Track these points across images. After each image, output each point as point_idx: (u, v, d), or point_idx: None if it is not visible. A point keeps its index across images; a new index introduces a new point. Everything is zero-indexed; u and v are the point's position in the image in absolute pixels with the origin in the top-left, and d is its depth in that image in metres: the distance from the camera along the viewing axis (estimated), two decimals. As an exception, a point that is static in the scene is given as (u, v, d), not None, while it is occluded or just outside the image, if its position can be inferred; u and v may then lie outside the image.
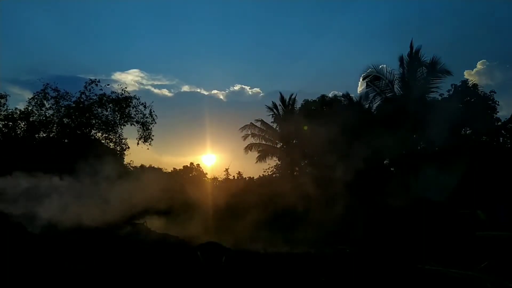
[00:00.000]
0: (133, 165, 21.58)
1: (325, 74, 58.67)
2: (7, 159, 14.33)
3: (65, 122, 19.23)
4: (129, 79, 49.14)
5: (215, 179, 25.89)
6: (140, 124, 20.75)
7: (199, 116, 55.80)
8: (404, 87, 19.91)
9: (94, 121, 19.79)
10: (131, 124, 20.70)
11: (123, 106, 20.14)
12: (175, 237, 9.51)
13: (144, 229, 9.83)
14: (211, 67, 60.68)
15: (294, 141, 24.34)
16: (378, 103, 21.12)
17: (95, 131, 20.07)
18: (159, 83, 59.59)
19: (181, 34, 63.13)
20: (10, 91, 39.69)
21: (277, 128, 25.52)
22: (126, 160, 21.16)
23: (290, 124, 22.70)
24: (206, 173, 28.53)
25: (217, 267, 6.80)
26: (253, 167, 32.04)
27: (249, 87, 57.66)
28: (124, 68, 67.63)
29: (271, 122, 25.76)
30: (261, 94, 52.57)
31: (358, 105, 21.80)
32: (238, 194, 16.24)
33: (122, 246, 7.52)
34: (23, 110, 18.61)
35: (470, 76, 31.49)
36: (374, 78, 20.38)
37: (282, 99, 25.55)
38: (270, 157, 25.76)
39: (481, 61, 40.07)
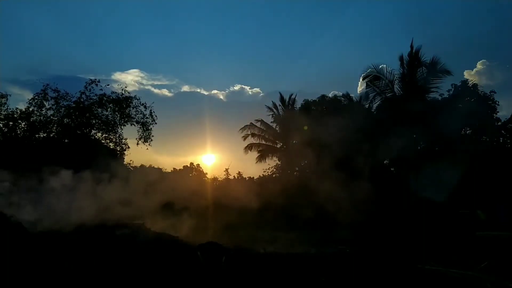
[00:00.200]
0: (133, 165, 21.60)
1: (325, 74, 58.76)
2: (7, 159, 14.33)
3: (65, 122, 19.23)
4: (129, 79, 49.17)
5: (215, 179, 25.90)
6: (140, 125, 20.77)
7: (199, 116, 55.75)
8: (404, 87, 19.91)
9: (94, 121, 19.80)
10: (131, 124, 20.73)
11: (123, 106, 20.15)
12: (175, 237, 9.50)
13: (144, 229, 9.81)
14: (211, 67, 60.68)
15: (294, 141, 24.36)
16: (378, 103, 21.16)
17: (95, 131, 20.09)
18: (159, 83, 59.62)
19: (181, 34, 63.11)
20: (10, 91, 39.65)
21: (277, 128, 25.54)
22: (126, 160, 21.19)
23: (290, 124, 22.72)
24: (206, 173, 28.54)
25: (217, 267, 6.80)
26: (253, 167, 32.03)
27: (249, 87, 57.69)
28: (124, 68, 67.61)
29: (271, 122, 25.81)
30: (261, 94, 52.58)
31: (358, 105, 21.83)
32: (238, 194, 16.23)
33: (122, 246, 7.51)
34: (24, 110, 18.64)
35: (470, 76, 31.49)
36: (374, 78, 20.39)
37: (282, 99, 25.58)
38: (270, 157, 25.79)
39: (481, 61, 40.07)
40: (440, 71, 19.07)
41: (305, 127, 21.02)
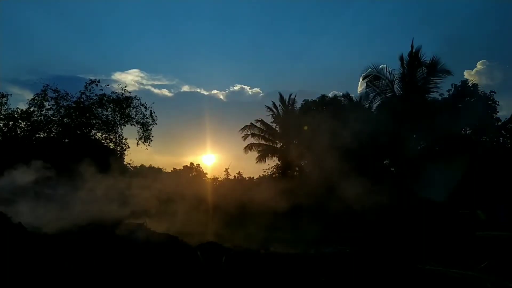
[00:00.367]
0: (133, 165, 21.62)
1: (325, 74, 58.78)
2: (7, 159, 14.32)
3: (65, 122, 19.24)
4: (129, 79, 49.26)
5: (215, 179, 25.93)
6: (140, 125, 20.78)
7: (199, 116, 55.86)
8: (404, 87, 19.91)
9: (94, 121, 19.81)
10: (131, 125, 20.74)
11: (124, 107, 20.16)
12: (175, 237, 9.49)
13: (144, 229, 9.80)
14: (211, 67, 60.86)
15: (294, 141, 24.36)
16: (378, 103, 21.16)
17: (95, 131, 20.10)
18: (159, 83, 59.73)
19: (181, 34, 63.22)
20: (10, 91, 39.66)
21: (277, 128, 25.54)
22: (126, 160, 21.20)
23: (290, 124, 22.71)
24: (206, 173, 28.60)
25: (217, 267, 6.80)
26: (253, 167, 32.08)
27: (249, 87, 57.82)
28: (124, 68, 67.79)
29: (271, 122, 25.80)
30: (261, 94, 52.65)
31: (358, 105, 21.83)
32: (238, 193, 16.24)
33: (122, 246, 7.51)
34: (24, 110, 18.64)
35: (470, 76, 31.46)
36: (374, 78, 20.39)
37: (282, 99, 25.56)
38: (270, 157, 25.78)
39: (481, 61, 39.94)
40: (440, 71, 19.07)
41: (305, 127, 21.03)
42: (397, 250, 9.19)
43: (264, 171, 26.81)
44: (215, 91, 57.00)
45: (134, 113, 20.55)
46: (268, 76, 67.15)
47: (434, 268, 7.03)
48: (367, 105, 21.82)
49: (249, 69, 68.24)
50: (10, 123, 18.29)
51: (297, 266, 6.98)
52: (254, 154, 25.82)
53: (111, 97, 20.01)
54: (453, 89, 21.46)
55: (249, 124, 25.86)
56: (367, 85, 20.95)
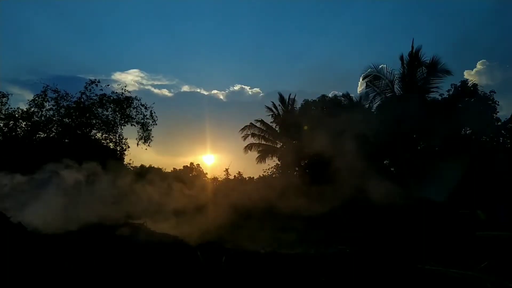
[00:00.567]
0: (133, 165, 21.61)
1: (325, 74, 58.66)
2: (7, 159, 14.34)
3: (65, 122, 19.24)
4: (129, 79, 49.25)
5: (215, 179, 25.93)
6: (140, 125, 20.79)
7: (199, 116, 55.87)
8: (404, 87, 19.92)
9: (94, 121, 19.81)
10: (131, 125, 20.75)
11: (124, 107, 20.17)
12: (175, 237, 9.50)
13: (144, 229, 9.81)
14: (211, 67, 60.88)
15: (294, 141, 24.36)
16: (378, 103, 21.17)
17: (95, 131, 20.10)
18: (159, 83, 59.72)
19: (181, 34, 63.22)
20: (10, 91, 39.56)
21: (277, 128, 25.55)
22: (126, 160, 21.21)
23: (290, 124, 22.72)
24: (206, 173, 28.58)
25: (217, 267, 6.80)
26: (253, 167, 32.07)
27: (249, 87, 57.81)
28: (124, 68, 67.72)
29: (271, 122, 25.81)
30: (261, 94, 52.66)
31: (358, 105, 21.83)
32: (238, 193, 16.24)
33: (122, 246, 7.51)
34: (25, 110, 18.64)
35: (470, 76, 31.56)
36: (374, 78, 20.42)
37: (281, 99, 25.58)
38: (270, 157, 25.79)
39: (481, 61, 40.07)
40: (440, 71, 19.10)
41: (305, 127, 21.04)
42: (397, 250, 9.19)
43: (264, 171, 26.86)
44: (215, 91, 57.06)
45: (135, 113, 20.59)
46: (268, 76, 67.28)
47: (434, 268, 7.03)
48: (367, 105, 21.84)
49: (249, 69, 68.33)
50: (11, 122, 18.29)
51: (297, 266, 6.98)
52: (254, 154, 25.89)
53: (111, 97, 20.03)
54: (453, 89, 21.47)
55: (249, 124, 25.93)
56: (367, 85, 20.99)
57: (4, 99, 18.44)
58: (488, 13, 46.99)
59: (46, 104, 18.91)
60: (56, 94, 19.03)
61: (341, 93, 24.18)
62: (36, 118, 18.70)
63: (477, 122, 20.20)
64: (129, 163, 21.40)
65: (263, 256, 8.07)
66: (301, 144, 21.71)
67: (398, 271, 6.80)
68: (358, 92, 25.99)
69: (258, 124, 25.76)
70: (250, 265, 6.97)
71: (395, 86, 20.16)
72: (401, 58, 19.80)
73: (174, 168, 28.63)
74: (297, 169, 24.61)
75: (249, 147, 25.78)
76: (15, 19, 46.65)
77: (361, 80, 22.02)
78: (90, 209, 9.99)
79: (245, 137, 25.87)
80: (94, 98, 19.69)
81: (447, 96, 21.21)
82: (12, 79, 44.07)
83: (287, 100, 25.38)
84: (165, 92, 55.41)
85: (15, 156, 15.41)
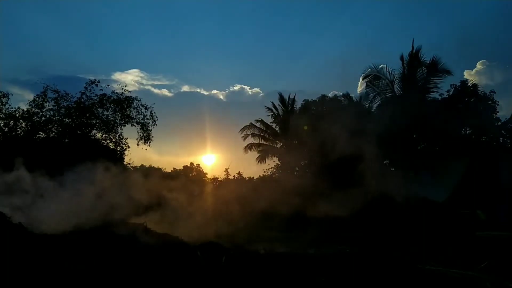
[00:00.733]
0: (133, 165, 21.60)
1: (325, 74, 58.65)
2: (7, 159, 14.32)
3: (65, 122, 19.24)
4: (129, 79, 49.19)
5: (215, 179, 25.91)
6: (140, 125, 20.77)
7: (199, 116, 55.71)
8: (404, 87, 19.92)
9: (94, 121, 19.80)
10: (131, 125, 20.73)
11: (124, 107, 20.15)
12: (175, 237, 9.51)
13: (144, 229, 9.82)
14: (211, 67, 60.78)
15: (294, 141, 24.36)
16: (378, 103, 21.16)
17: (95, 131, 20.09)
18: (159, 83, 59.67)
19: (181, 34, 63.12)
20: (10, 91, 39.51)
21: (277, 128, 25.54)
22: (126, 160, 21.19)
23: (290, 124, 22.70)
24: (206, 173, 28.56)
25: (217, 267, 6.80)
26: (253, 167, 32.05)
27: (249, 87, 57.70)
28: (124, 68, 67.70)
29: (271, 122, 25.81)
30: (261, 94, 52.55)
31: (358, 105, 21.82)
32: (238, 193, 16.24)
33: (122, 246, 7.51)
34: (26, 110, 18.64)
35: (470, 76, 31.49)
36: (374, 78, 20.42)
37: (281, 99, 25.57)
38: (270, 157, 25.78)
39: (481, 61, 39.85)
40: (440, 71, 19.09)
41: (305, 127, 21.02)
42: (397, 250, 9.19)
43: (264, 171, 26.85)
44: (215, 91, 56.96)
45: (135, 114, 20.56)
46: (268, 76, 67.23)
47: (434, 268, 7.04)
48: (367, 105, 21.84)
49: (249, 69, 68.25)
50: (11, 122, 18.28)
51: (297, 266, 6.99)
52: (254, 154, 25.88)
53: (111, 97, 20.00)
54: (453, 89, 21.45)
55: (249, 124, 25.92)
56: (367, 85, 20.99)
57: (4, 99, 18.44)
58: (488, 13, 46.98)
59: (46, 104, 18.91)
60: (56, 94, 19.01)
61: (341, 93, 24.23)
62: (37, 118, 18.69)
63: (477, 122, 20.19)
64: (129, 163, 21.40)
65: (263, 256, 8.08)
66: (301, 144, 21.73)
67: (398, 271, 6.80)
68: (358, 92, 25.96)
69: (258, 124, 25.76)
70: (250, 265, 6.98)
71: (395, 86, 20.17)
72: (401, 58, 19.81)
73: (174, 168, 28.63)
74: (297, 169, 24.61)
75: (249, 147, 25.79)
76: (15, 19, 46.67)
77: (361, 80, 22.05)
78: (90, 209, 9.99)
79: (245, 137, 25.88)
80: (94, 98, 19.67)
81: (447, 96, 21.20)
82: (12, 79, 44.11)
83: (287, 100, 25.38)
84: (165, 92, 55.36)
85: (15, 155, 15.39)
